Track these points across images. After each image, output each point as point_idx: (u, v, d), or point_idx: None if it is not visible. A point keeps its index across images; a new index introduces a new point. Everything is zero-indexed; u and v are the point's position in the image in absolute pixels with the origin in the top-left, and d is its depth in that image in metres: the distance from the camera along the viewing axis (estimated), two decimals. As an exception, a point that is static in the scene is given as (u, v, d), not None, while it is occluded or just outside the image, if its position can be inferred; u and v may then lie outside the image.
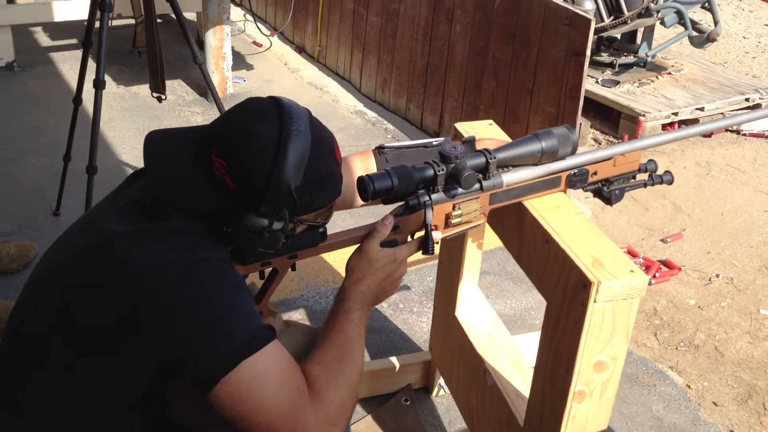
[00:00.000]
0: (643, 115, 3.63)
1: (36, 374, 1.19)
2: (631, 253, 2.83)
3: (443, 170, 1.29)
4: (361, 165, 1.47)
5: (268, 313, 1.34)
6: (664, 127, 3.79)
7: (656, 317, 2.51)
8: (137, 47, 2.65)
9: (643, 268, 2.74)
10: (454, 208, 1.33)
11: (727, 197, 3.26)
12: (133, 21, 3.63)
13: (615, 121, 3.83)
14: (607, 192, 1.47)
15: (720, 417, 2.10)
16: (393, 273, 1.32)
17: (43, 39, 4.62)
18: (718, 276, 2.73)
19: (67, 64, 4.26)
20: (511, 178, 1.37)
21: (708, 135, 3.79)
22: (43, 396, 1.18)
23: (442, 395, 2.06)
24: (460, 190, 1.32)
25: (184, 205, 1.14)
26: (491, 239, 2.73)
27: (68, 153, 2.61)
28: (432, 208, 1.31)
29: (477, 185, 1.33)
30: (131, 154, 3.31)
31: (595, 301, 1.22)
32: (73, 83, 3.98)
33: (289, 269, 1.32)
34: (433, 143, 1.45)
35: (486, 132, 1.70)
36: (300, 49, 4.79)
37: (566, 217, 1.38)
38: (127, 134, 3.49)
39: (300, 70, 4.49)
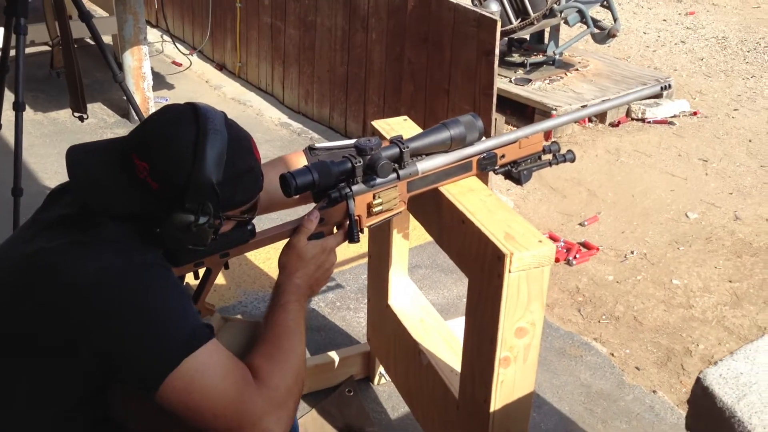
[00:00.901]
0: (555, 109, 3.82)
1: None
2: (552, 238, 2.98)
3: (360, 162, 1.38)
4: (293, 165, 1.54)
5: (205, 311, 1.40)
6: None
7: (579, 295, 2.66)
8: (55, 68, 2.65)
9: (564, 250, 2.89)
10: (374, 197, 1.42)
11: (637, 180, 3.47)
12: (45, 47, 3.60)
13: (530, 116, 4.02)
14: (516, 173, 1.59)
15: (643, 380, 2.25)
16: (324, 263, 1.39)
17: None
18: (632, 252, 2.91)
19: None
20: (425, 165, 1.46)
21: (615, 124, 4.01)
22: None
23: (383, 383, 2.14)
24: (378, 179, 1.40)
25: (113, 210, 1.18)
26: (421, 234, 2.84)
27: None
28: (353, 199, 1.39)
29: (394, 174, 1.42)
30: (55, 179, 3.27)
31: (509, 272, 1.33)
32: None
33: (223, 268, 1.38)
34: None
35: (401, 127, 1.80)
36: (221, 67, 4.82)
37: (479, 199, 1.48)
38: (48, 160, 3.45)
39: (222, 87, 4.52)
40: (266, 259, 2.74)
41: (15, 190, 2.21)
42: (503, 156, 1.56)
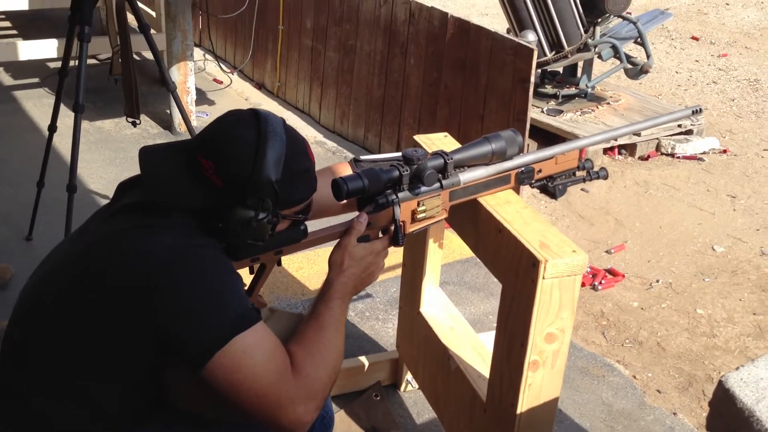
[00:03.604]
0: (586, 140, 3.89)
1: (45, 365, 1.29)
2: (579, 264, 3.04)
3: (407, 171, 1.47)
4: (339, 174, 1.65)
5: (257, 304, 1.49)
6: (605, 151, 4.07)
7: (603, 318, 2.72)
8: (113, 75, 2.80)
9: (590, 275, 2.95)
10: (419, 205, 1.51)
11: (664, 212, 3.52)
12: (95, 60, 3.78)
13: (560, 146, 4.09)
14: (551, 187, 1.67)
15: (664, 402, 2.29)
16: (370, 265, 1.47)
17: (5, 78, 4.70)
18: (658, 281, 2.96)
19: (30, 101, 4.35)
20: (467, 176, 1.55)
21: (645, 158, 4.08)
22: (52, 386, 1.29)
23: (409, 390, 2.21)
24: (423, 188, 1.49)
25: (179, 204, 1.29)
26: (450, 253, 2.92)
27: (42, 179, 2.72)
28: (399, 205, 1.49)
29: (438, 184, 1.51)
30: (99, 183, 3.41)
31: (543, 278, 1.40)
32: (37, 119, 4.11)
33: (276, 265, 1.47)
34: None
35: (442, 143, 1.89)
36: (260, 86, 4.97)
37: (515, 210, 1.57)
38: (94, 165, 3.60)
39: (260, 105, 4.66)
40: (299, 268, 2.84)
41: (70, 186, 2.34)
42: (540, 171, 1.64)
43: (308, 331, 1.34)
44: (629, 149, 4.15)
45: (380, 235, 1.50)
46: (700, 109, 1.76)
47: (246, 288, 1.44)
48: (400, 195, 1.48)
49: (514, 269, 1.48)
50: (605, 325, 2.68)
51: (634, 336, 2.63)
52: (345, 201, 1.63)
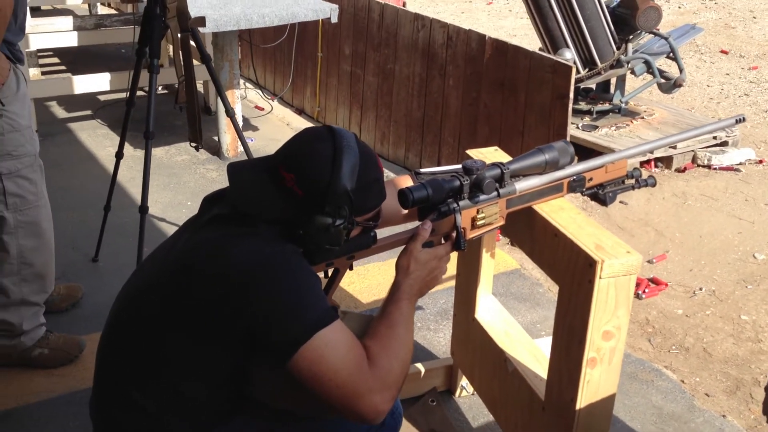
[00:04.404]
0: (622, 154, 3.97)
1: (142, 364, 1.41)
2: (622, 274, 3.11)
3: (467, 180, 1.58)
4: (402, 185, 1.76)
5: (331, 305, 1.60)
6: (642, 164, 4.14)
7: (649, 326, 2.78)
8: (178, 103, 2.97)
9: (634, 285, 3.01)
10: (478, 212, 1.61)
11: (704, 222, 3.58)
12: (143, 93, 3.94)
13: (596, 161, 4.16)
14: (602, 195, 1.76)
15: (713, 405, 2.35)
16: (435, 269, 1.57)
17: (59, 111, 4.93)
18: (701, 289, 3.02)
19: (84, 132, 4.56)
20: (522, 185, 1.66)
21: (682, 170, 4.14)
22: (148, 382, 1.41)
23: (464, 395, 2.30)
24: (482, 196, 1.60)
25: (264, 213, 1.41)
26: (497, 265, 3.00)
27: (108, 203, 2.87)
28: (460, 213, 1.59)
29: (495, 192, 1.62)
30: (156, 207, 3.57)
31: (600, 278, 1.50)
32: (92, 149, 4.30)
33: (348, 269, 1.58)
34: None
35: (493, 156, 2.00)
36: (300, 111, 5.13)
37: (569, 216, 1.66)
38: (150, 190, 3.75)
39: (301, 128, 4.80)
40: (350, 283, 2.95)
41: (142, 207, 2.49)
42: (591, 179, 1.74)
43: (380, 327, 1.45)
44: (665, 162, 4.21)
45: (443, 241, 1.61)
46: (744, 118, 1.84)
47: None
48: (461, 203, 1.58)
49: (571, 271, 1.57)
50: (651, 332, 2.74)
51: (680, 342, 2.69)
52: (407, 211, 1.75)
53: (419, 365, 2.31)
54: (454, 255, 1.62)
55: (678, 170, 4.17)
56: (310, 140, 1.43)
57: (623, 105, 4.54)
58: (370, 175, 1.44)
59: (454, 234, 1.59)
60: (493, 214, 1.63)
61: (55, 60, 6.08)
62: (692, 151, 4.25)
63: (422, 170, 1.77)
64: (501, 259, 3.13)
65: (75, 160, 4.13)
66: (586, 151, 4.23)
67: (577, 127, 4.37)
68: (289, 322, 1.32)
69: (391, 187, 1.78)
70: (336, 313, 1.38)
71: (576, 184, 1.71)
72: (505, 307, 2.79)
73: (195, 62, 3.02)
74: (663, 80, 4.34)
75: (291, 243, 1.42)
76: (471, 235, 1.63)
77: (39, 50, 5.38)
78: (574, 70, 2.97)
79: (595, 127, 4.36)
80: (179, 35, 2.83)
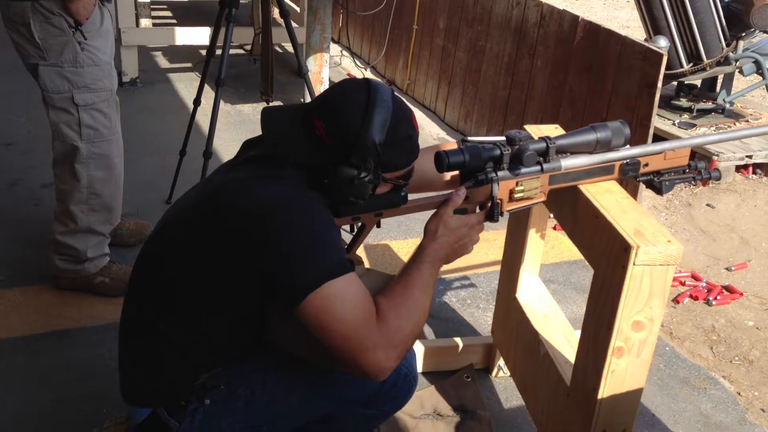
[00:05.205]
0: (717, 155, 3.75)
1: (168, 296, 1.46)
2: (695, 278, 2.95)
3: (509, 150, 1.53)
4: None
5: (355, 260, 1.60)
6: (738, 168, 3.90)
7: (714, 334, 2.63)
8: (253, 55, 3.03)
9: (706, 290, 2.86)
10: (517, 185, 1.56)
11: (796, 235, 3.34)
12: (241, 51, 4.05)
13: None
14: (657, 182, 1.67)
15: (767, 421, 2.20)
16: (464, 237, 1.54)
17: (162, 62, 5.14)
18: (778, 303, 2.82)
19: (182, 83, 4.74)
20: (569, 162, 1.59)
21: (782, 179, 3.87)
22: (173, 316, 1.46)
23: (501, 376, 2.25)
24: (523, 169, 1.55)
25: (292, 158, 1.42)
26: (558, 253, 2.92)
27: (184, 148, 2.98)
28: (498, 183, 1.55)
29: (538, 167, 1.56)
30: (224, 153, 3.68)
31: (634, 264, 1.42)
32: (186, 99, 4.46)
33: (375, 226, 1.58)
34: None
35: (551, 133, 1.92)
36: (390, 83, 5.13)
37: (615, 200, 1.59)
38: (230, 144, 3.87)
39: (389, 100, 4.81)
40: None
41: (206, 152, 2.57)
42: (647, 164, 1.65)
43: (396, 287, 1.43)
44: (765, 169, 3.94)
45: (477, 210, 1.57)
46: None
47: (346, 245, 1.57)
48: (500, 173, 1.54)
49: (607, 255, 1.50)
50: (715, 340, 2.60)
51: (744, 354, 2.53)
52: (449, 177, 1.73)
53: (458, 339, 2.28)
54: (502, 230, 1.58)
55: (775, 172, 3.90)
56: (345, 91, 1.42)
57: (727, 105, 4.28)
58: (402, 132, 1.43)
59: (489, 204, 1.56)
60: (533, 189, 1.58)
61: (168, 13, 6.33)
62: (796, 153, 3.96)
63: (470, 138, 1.74)
64: (566, 248, 3.04)
65: (168, 109, 4.30)
66: (678, 149, 4.02)
67: (674, 124, 4.16)
68: (301, 268, 1.33)
69: (436, 150, 1.75)
70: (352, 266, 1.38)
71: (629, 168, 1.63)
72: (561, 296, 2.74)
73: (292, 23, 3.03)
74: (773, 82, 4.05)
75: (317, 191, 1.42)
76: (508, 207, 1.59)
77: (153, 1, 5.62)
78: (665, 58, 2.82)
79: (693, 126, 4.13)
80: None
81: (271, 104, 3.13)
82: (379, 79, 1.48)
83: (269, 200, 1.35)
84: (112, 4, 2.28)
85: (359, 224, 1.54)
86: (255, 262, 1.35)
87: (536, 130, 1.95)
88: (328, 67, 4.29)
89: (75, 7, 2.11)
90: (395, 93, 1.46)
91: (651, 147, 1.65)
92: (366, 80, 1.44)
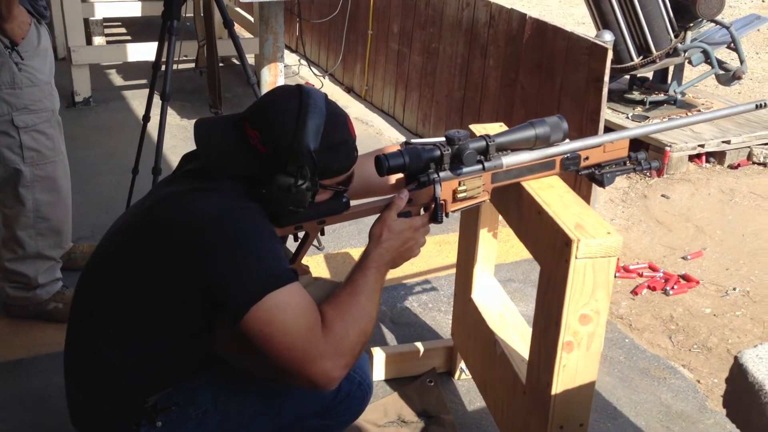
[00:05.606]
0: (669, 146, 3.81)
1: (113, 321, 1.43)
2: (652, 269, 2.98)
3: (449, 151, 1.53)
4: None
5: (301, 270, 1.58)
6: (691, 158, 3.95)
7: (672, 323, 2.66)
8: (199, 67, 3.00)
9: (663, 280, 2.89)
10: (459, 184, 1.56)
11: (749, 221, 3.39)
12: (192, 65, 4.02)
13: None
14: (599, 175, 1.68)
15: (725, 408, 2.22)
16: (409, 240, 1.53)
17: (116, 79, 5.08)
18: (734, 289, 2.86)
19: (137, 100, 4.68)
20: (510, 160, 1.59)
21: (735, 166, 3.93)
22: (118, 340, 1.43)
23: (463, 378, 2.25)
24: (464, 168, 1.55)
25: (227, 169, 1.40)
26: (518, 252, 2.93)
27: (136, 166, 2.94)
28: (440, 184, 1.54)
29: (479, 165, 1.56)
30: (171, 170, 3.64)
31: (576, 258, 1.43)
32: (141, 116, 4.40)
33: (319, 234, 1.56)
34: None
35: (496, 131, 1.92)
36: (349, 89, 5.13)
37: (557, 195, 1.59)
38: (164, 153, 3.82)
39: (348, 107, 4.80)
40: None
41: (155, 169, 2.54)
42: (587, 158, 1.65)
43: (342, 294, 1.42)
44: (718, 157, 4.01)
45: (422, 212, 1.57)
46: (766, 104, 1.72)
47: (291, 255, 1.55)
48: (442, 174, 1.53)
49: (551, 250, 1.50)
50: (673, 330, 2.62)
51: (703, 341, 2.56)
52: (394, 181, 1.72)
53: (418, 344, 2.28)
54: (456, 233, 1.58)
55: (731, 166, 3.96)
56: (277, 98, 1.41)
57: (679, 96, 4.34)
58: (338, 137, 1.42)
59: (433, 205, 1.55)
60: (476, 188, 1.57)
61: (122, 30, 6.26)
62: (748, 147, 4.03)
63: (413, 140, 1.73)
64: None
65: (123, 127, 4.24)
66: (634, 143, 4.06)
67: (627, 117, 4.21)
68: (241, 281, 1.31)
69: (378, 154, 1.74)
70: (294, 276, 1.37)
71: (569, 162, 1.64)
72: (521, 294, 2.74)
73: (246, 34, 3.03)
74: (721, 71, 4.13)
75: (256, 202, 1.41)
76: (452, 208, 1.59)
77: (105, 19, 5.55)
78: (610, 53, 2.85)
79: (646, 118, 4.18)
80: (200, -1, 2.85)
81: (219, 113, 3.10)
82: (354, 111, 1.46)
83: (205, 214, 1.33)
84: (49, 22, 2.24)
85: (303, 233, 1.53)
86: (194, 278, 1.33)
87: (481, 129, 1.96)
88: (284, 76, 4.27)
89: (10, 27, 2.07)
90: (329, 98, 1.45)
91: (590, 140, 1.66)
92: (298, 86, 1.43)
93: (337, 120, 1.42)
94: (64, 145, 2.37)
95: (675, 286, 2.85)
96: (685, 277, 2.93)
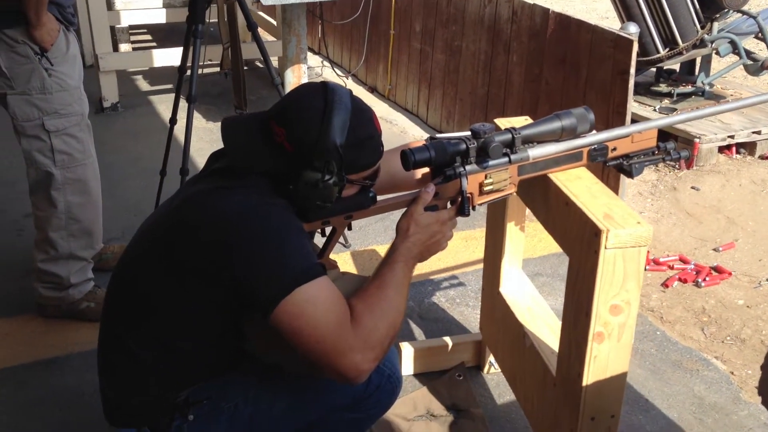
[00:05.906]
0: (698, 138, 3.76)
1: (142, 320, 1.45)
2: (683, 261, 2.95)
3: (474, 144, 1.53)
4: None
5: (329, 265, 1.59)
6: (721, 149, 3.90)
7: (704, 315, 2.62)
8: (224, 70, 3.03)
9: (694, 272, 2.85)
10: (486, 177, 1.56)
11: (782, 211, 3.34)
12: (218, 68, 4.07)
13: (672, 145, 3.95)
14: (627, 166, 1.66)
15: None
16: (436, 233, 1.53)
17: (144, 84, 5.14)
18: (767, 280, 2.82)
19: (163, 104, 4.74)
20: (536, 152, 1.59)
21: (765, 157, 3.87)
22: (148, 339, 1.45)
23: (492, 372, 2.24)
24: (490, 161, 1.54)
25: (253, 167, 1.41)
26: (546, 246, 2.92)
27: (164, 168, 2.97)
28: (467, 177, 1.54)
29: (505, 158, 1.55)
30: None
31: (606, 248, 1.42)
32: (167, 120, 4.45)
33: (346, 228, 1.57)
34: None
35: (521, 125, 1.92)
36: (372, 89, 5.14)
37: (585, 186, 1.58)
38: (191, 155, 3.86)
39: (372, 107, 4.78)
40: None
41: (183, 170, 2.57)
42: (615, 149, 1.64)
43: (370, 288, 1.43)
44: (749, 148, 3.94)
45: (448, 205, 1.57)
46: (788, 95, 1.69)
47: (319, 251, 1.56)
48: (468, 167, 1.53)
49: (579, 241, 1.50)
50: (705, 322, 2.59)
51: (736, 333, 2.52)
52: (420, 176, 1.72)
53: (447, 339, 2.28)
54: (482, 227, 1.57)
55: (762, 157, 3.90)
56: (303, 95, 1.42)
57: (707, 87, 4.28)
58: (364, 132, 1.42)
59: (459, 199, 1.55)
60: (502, 180, 1.57)
61: (147, 36, 6.34)
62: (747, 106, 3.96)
63: (438, 135, 1.73)
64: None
65: (150, 131, 4.30)
66: (662, 134, 4.02)
67: (655, 110, 4.16)
68: (270, 276, 1.32)
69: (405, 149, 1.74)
70: (323, 270, 1.37)
71: (597, 153, 1.63)
72: (550, 288, 2.73)
73: (269, 37, 3.05)
74: (750, 61, 4.06)
75: (283, 198, 1.42)
76: (479, 201, 1.58)
77: (131, 26, 5.63)
78: (635, 44, 2.82)
79: (674, 110, 4.13)
80: (225, 2, 2.87)
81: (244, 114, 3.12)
82: (378, 110, 1.47)
83: (232, 212, 1.34)
84: (76, 29, 2.28)
85: (330, 228, 1.54)
86: (223, 277, 1.34)
87: (506, 123, 1.95)
88: (307, 77, 4.29)
89: (39, 34, 2.11)
90: (353, 94, 1.46)
91: (617, 131, 1.65)
92: (323, 83, 1.44)
93: (363, 115, 1.43)
94: (94, 148, 2.41)
95: (707, 278, 2.81)
96: (717, 269, 2.89)
